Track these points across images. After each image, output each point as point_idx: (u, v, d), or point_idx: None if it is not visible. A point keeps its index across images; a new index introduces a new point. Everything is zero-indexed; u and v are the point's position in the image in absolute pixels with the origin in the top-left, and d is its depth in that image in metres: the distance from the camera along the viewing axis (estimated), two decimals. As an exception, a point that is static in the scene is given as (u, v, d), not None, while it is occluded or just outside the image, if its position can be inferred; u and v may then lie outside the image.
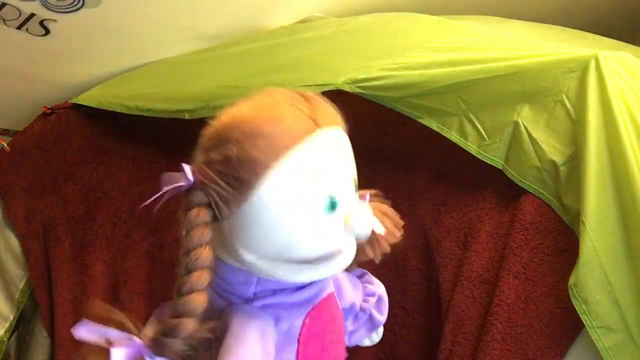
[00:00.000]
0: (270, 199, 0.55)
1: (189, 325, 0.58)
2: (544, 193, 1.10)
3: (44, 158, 1.78)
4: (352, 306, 0.76)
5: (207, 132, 0.63)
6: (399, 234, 0.77)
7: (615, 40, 1.50)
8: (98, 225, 1.73)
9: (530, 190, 1.11)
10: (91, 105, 1.70)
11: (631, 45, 1.42)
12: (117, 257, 1.71)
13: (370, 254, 0.74)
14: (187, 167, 0.68)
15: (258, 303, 0.58)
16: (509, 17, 1.57)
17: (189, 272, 0.63)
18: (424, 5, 1.59)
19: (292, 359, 0.60)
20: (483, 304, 1.16)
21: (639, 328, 0.96)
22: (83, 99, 1.73)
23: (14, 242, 1.78)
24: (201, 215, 0.62)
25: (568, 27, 1.58)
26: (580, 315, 0.98)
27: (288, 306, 0.59)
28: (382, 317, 0.79)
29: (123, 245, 1.71)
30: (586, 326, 0.97)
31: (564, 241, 1.08)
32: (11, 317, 1.76)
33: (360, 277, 0.80)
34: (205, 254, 0.62)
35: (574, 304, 0.98)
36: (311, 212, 0.54)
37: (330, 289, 0.68)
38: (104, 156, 1.75)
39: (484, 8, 1.71)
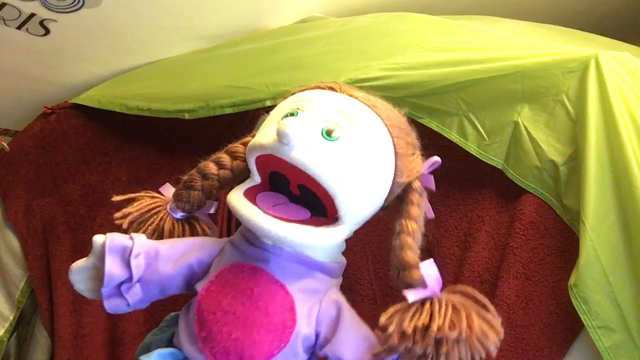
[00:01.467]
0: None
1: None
2: (544, 193, 1.10)
3: (44, 158, 1.78)
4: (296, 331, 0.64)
5: None
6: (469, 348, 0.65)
7: (615, 40, 1.50)
8: (98, 225, 1.73)
9: (530, 190, 1.11)
10: (91, 105, 1.70)
11: (631, 45, 1.42)
12: (117, 257, 1.70)
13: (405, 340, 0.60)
14: None
15: (229, 240, 0.67)
16: (509, 17, 1.57)
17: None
18: (424, 5, 1.59)
19: (200, 288, 0.65)
20: (483, 304, 1.16)
21: (639, 328, 0.96)
22: (83, 99, 1.73)
23: (14, 242, 1.79)
24: None
25: (568, 27, 1.58)
26: (580, 315, 0.98)
27: (232, 250, 0.65)
28: None
29: (123, 245, 1.71)
30: (586, 326, 0.97)
31: (564, 241, 1.08)
32: (11, 317, 1.77)
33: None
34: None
35: (574, 304, 0.98)
36: (275, 118, 0.64)
37: (280, 277, 0.62)
38: (104, 156, 1.75)
39: (484, 8, 1.71)
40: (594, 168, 1.00)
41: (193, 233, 0.74)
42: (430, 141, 1.22)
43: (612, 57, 1.07)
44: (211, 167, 0.73)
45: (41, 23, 1.54)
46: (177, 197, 0.73)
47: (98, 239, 0.66)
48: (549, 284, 1.08)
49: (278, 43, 1.54)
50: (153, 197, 0.75)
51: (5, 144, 1.77)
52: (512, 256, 1.11)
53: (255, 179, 0.66)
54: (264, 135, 0.62)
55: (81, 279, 0.66)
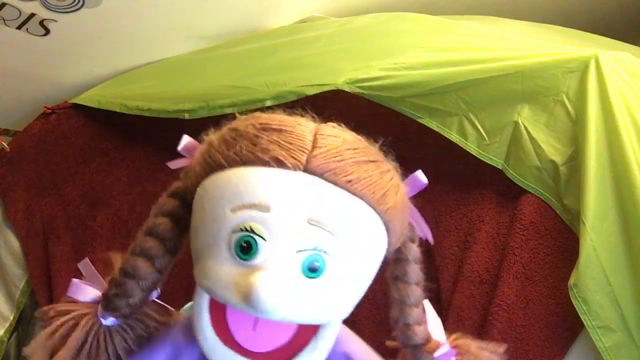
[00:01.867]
0: (201, 198, 0.49)
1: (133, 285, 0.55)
2: (544, 193, 1.10)
3: (44, 158, 1.78)
4: None
5: None
6: None
7: (615, 40, 1.50)
8: (98, 225, 1.73)
9: (530, 190, 1.11)
10: (91, 105, 1.70)
11: (631, 45, 1.42)
12: (117, 257, 1.70)
13: None
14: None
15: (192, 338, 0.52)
16: (509, 17, 1.57)
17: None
18: (424, 5, 1.59)
19: None
20: (483, 304, 1.16)
21: (639, 328, 0.96)
22: (83, 99, 1.73)
23: (14, 242, 1.78)
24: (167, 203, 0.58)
25: (568, 27, 1.58)
26: (580, 315, 0.98)
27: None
28: None
29: (123, 245, 1.70)
30: (586, 326, 0.97)
31: (564, 241, 1.08)
32: (11, 317, 1.76)
33: None
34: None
35: (574, 304, 0.98)
36: (220, 237, 0.46)
37: None
38: (104, 156, 1.75)
39: (484, 8, 1.71)
40: (594, 168, 1.00)
41: (142, 328, 0.59)
42: (430, 141, 1.23)
43: (612, 57, 1.07)
44: (140, 264, 0.58)
45: (41, 23, 1.53)
46: (110, 309, 0.57)
47: None
48: (549, 284, 1.08)
49: (278, 43, 1.54)
50: (74, 314, 0.57)
51: (5, 144, 1.77)
52: (512, 256, 1.11)
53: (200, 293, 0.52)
54: (220, 282, 0.46)
55: None
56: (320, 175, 0.49)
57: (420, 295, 0.61)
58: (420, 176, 0.61)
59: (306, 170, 0.48)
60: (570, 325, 1.03)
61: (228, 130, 0.54)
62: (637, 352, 0.96)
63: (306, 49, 1.45)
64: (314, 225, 0.46)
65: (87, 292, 0.56)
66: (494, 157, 1.15)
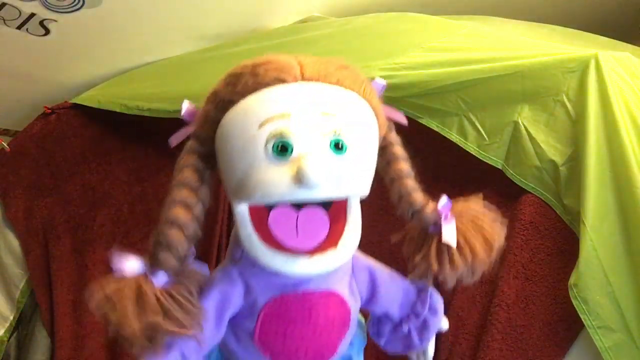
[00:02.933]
0: (225, 134, 0.57)
1: (175, 236, 0.61)
2: (544, 193, 1.10)
3: (44, 158, 1.78)
4: (387, 314, 0.71)
5: None
6: (486, 258, 0.69)
7: (615, 40, 1.50)
8: (98, 225, 1.73)
9: (530, 190, 1.11)
10: (91, 105, 1.70)
11: (631, 45, 1.42)
12: (117, 257, 1.70)
13: (434, 266, 0.66)
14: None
15: (239, 268, 0.61)
16: (509, 17, 1.57)
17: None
18: (424, 5, 1.59)
19: (252, 328, 0.63)
20: (483, 304, 1.16)
21: (639, 328, 0.96)
22: (83, 99, 1.73)
23: (14, 242, 1.78)
24: (186, 158, 0.64)
25: (568, 27, 1.58)
26: (580, 315, 0.98)
27: (260, 282, 0.60)
28: (419, 342, 0.72)
29: (123, 245, 1.71)
30: (586, 326, 0.97)
31: (564, 241, 1.08)
32: (11, 317, 1.76)
33: (419, 291, 0.73)
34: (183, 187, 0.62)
35: (574, 304, 0.98)
36: (257, 150, 0.54)
37: (322, 286, 0.62)
38: (104, 156, 1.75)
39: (484, 8, 1.71)
40: (594, 168, 1.00)
41: (189, 291, 0.63)
42: (430, 141, 1.23)
43: (612, 57, 1.07)
44: (180, 214, 0.62)
45: (41, 23, 1.54)
46: (159, 264, 0.63)
47: None
48: (549, 284, 1.08)
49: (278, 43, 1.54)
50: (123, 284, 0.62)
51: (5, 144, 1.77)
52: (512, 256, 1.11)
53: (241, 208, 0.59)
54: (263, 185, 0.54)
55: None
56: (317, 81, 0.59)
57: (409, 168, 0.69)
58: (380, 82, 0.70)
59: (304, 80, 0.58)
60: (570, 325, 1.03)
61: (226, 77, 0.63)
62: (637, 352, 0.96)
63: (306, 49, 1.45)
64: (327, 115, 0.56)
65: (132, 265, 0.59)
66: (494, 157, 1.15)
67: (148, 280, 0.60)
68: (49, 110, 1.78)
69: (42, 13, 1.50)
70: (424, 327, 0.71)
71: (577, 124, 1.06)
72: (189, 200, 0.61)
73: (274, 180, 0.53)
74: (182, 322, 0.58)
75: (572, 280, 0.98)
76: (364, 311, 0.73)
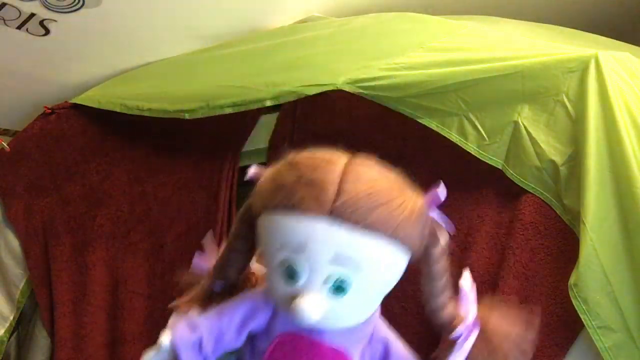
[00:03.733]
0: (261, 232, 0.68)
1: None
2: (544, 193, 1.10)
3: (44, 158, 1.78)
4: None
5: None
6: None
7: (615, 40, 1.50)
8: (98, 225, 1.73)
9: (530, 190, 1.11)
10: (91, 105, 1.70)
11: (631, 45, 1.42)
12: (117, 257, 1.71)
13: None
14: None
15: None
16: (509, 17, 1.57)
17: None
18: (424, 5, 1.59)
19: (264, 350, 0.72)
20: (483, 304, 1.16)
21: (639, 328, 0.96)
22: (83, 99, 1.73)
23: (14, 242, 1.79)
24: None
25: (568, 27, 1.58)
26: (580, 315, 0.98)
27: (286, 314, 0.69)
28: None
29: (123, 245, 1.71)
30: (586, 326, 0.97)
31: (564, 241, 1.08)
32: (11, 317, 1.77)
33: None
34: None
35: (574, 303, 0.98)
36: (274, 264, 0.64)
37: (336, 341, 0.70)
38: (104, 156, 1.75)
39: (484, 8, 1.71)
40: (594, 168, 1.00)
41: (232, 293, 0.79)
42: (430, 141, 1.23)
43: (612, 57, 1.07)
44: (232, 256, 0.77)
45: (41, 23, 1.54)
46: (218, 276, 0.78)
47: (165, 340, 0.72)
48: (549, 284, 1.08)
49: (278, 43, 1.54)
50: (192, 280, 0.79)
51: (5, 144, 1.77)
52: (512, 256, 1.11)
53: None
54: (279, 295, 0.66)
55: None
56: (342, 220, 0.61)
57: (443, 287, 0.74)
58: (440, 192, 0.72)
59: (332, 214, 0.61)
60: (570, 325, 1.03)
61: (271, 179, 0.68)
62: (637, 352, 0.96)
63: (306, 49, 1.45)
64: (339, 259, 0.61)
65: (204, 265, 0.77)
66: (493, 157, 1.15)
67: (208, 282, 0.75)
68: (49, 110, 1.78)
69: (42, 13, 1.50)
70: None
71: (577, 124, 1.06)
72: (239, 247, 0.76)
73: (283, 299, 0.63)
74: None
75: (572, 280, 0.98)
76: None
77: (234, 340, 0.73)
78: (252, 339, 0.74)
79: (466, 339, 0.73)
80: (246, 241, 0.74)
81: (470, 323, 0.74)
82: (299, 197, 0.63)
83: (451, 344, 0.73)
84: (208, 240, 0.83)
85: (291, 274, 0.63)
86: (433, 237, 0.72)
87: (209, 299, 0.77)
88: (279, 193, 0.65)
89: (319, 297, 0.62)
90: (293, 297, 0.62)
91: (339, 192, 0.63)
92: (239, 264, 0.76)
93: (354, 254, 0.62)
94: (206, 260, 0.81)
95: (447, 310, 0.74)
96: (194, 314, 0.74)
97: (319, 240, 0.61)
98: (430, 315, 0.74)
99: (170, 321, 0.75)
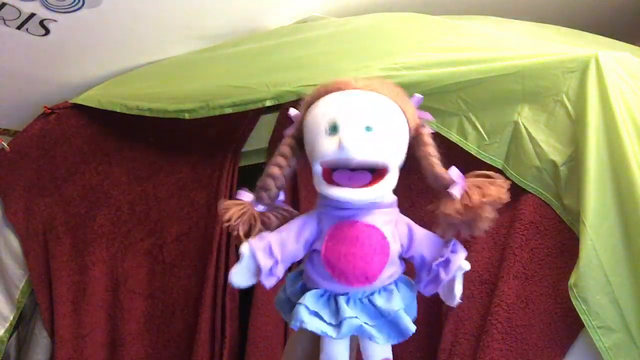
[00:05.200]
0: (308, 120, 0.89)
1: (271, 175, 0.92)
2: (544, 193, 1.10)
3: (44, 158, 1.78)
4: (422, 259, 0.91)
5: None
6: (483, 207, 0.87)
7: (615, 40, 1.49)
8: (98, 225, 1.73)
9: (530, 190, 1.11)
10: (91, 105, 1.70)
11: (631, 45, 1.42)
12: (117, 257, 1.71)
13: (451, 212, 0.87)
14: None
15: (316, 210, 0.91)
16: (509, 17, 1.57)
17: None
18: (424, 5, 1.59)
19: (320, 248, 0.88)
20: (483, 304, 1.16)
21: (639, 328, 0.96)
22: (83, 99, 1.73)
23: (14, 242, 1.79)
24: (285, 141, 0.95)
25: (568, 27, 1.58)
26: (580, 315, 0.98)
27: (327, 215, 0.89)
28: (444, 277, 0.90)
29: (123, 245, 1.71)
30: (586, 326, 0.97)
31: (564, 241, 1.08)
32: (11, 317, 1.77)
33: (446, 242, 0.92)
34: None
35: (574, 304, 0.98)
36: (320, 129, 0.85)
37: (368, 220, 0.88)
38: (104, 156, 1.75)
39: (484, 8, 1.71)
40: (594, 168, 1.00)
41: (277, 217, 0.95)
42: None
43: (612, 57, 1.07)
44: (274, 170, 0.93)
45: (41, 23, 1.54)
46: (258, 198, 0.93)
47: (245, 249, 0.89)
48: (549, 284, 1.08)
49: (278, 43, 1.54)
50: (238, 204, 0.94)
51: (5, 144, 1.78)
52: (512, 256, 1.11)
53: (316, 168, 0.87)
54: (322, 150, 0.84)
55: (240, 278, 0.90)
56: (362, 89, 0.88)
57: (435, 150, 0.90)
58: (417, 96, 0.93)
59: (354, 88, 0.88)
60: (570, 325, 1.03)
61: (312, 92, 0.92)
62: (637, 352, 0.96)
63: (306, 49, 1.45)
64: (363, 113, 0.84)
65: (246, 195, 0.93)
66: (494, 157, 1.15)
67: (252, 205, 0.92)
68: (49, 110, 1.78)
69: (42, 13, 1.50)
70: (446, 264, 0.90)
71: (577, 124, 1.06)
72: (282, 163, 0.93)
73: (328, 147, 0.83)
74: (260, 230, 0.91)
75: (572, 280, 0.99)
76: (408, 264, 0.93)
77: (294, 248, 0.90)
78: (308, 255, 0.91)
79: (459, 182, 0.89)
80: (288, 159, 0.93)
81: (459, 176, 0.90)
82: (332, 86, 0.89)
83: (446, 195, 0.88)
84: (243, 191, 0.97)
85: (334, 127, 0.82)
86: (421, 122, 0.92)
87: (255, 220, 0.92)
88: (319, 90, 0.90)
89: (355, 131, 0.82)
90: (337, 142, 0.81)
91: (356, 81, 0.89)
92: (281, 181, 0.93)
93: (372, 108, 0.86)
94: (246, 195, 0.94)
95: (441, 168, 0.91)
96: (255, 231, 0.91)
97: (349, 104, 0.85)
98: (428, 178, 0.90)
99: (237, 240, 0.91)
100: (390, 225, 0.91)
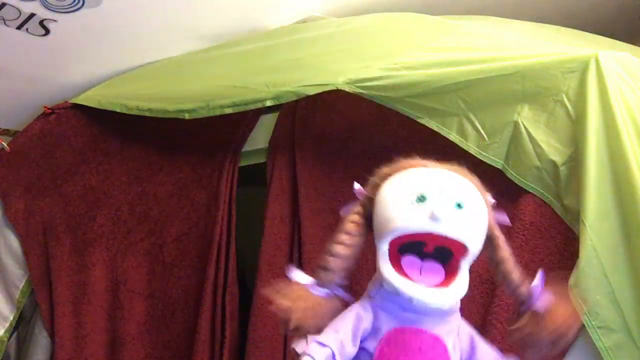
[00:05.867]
0: (386, 191, 0.82)
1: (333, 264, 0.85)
2: (544, 193, 1.10)
3: (44, 158, 1.78)
4: None
5: None
6: (564, 326, 0.82)
7: (615, 40, 1.49)
8: (98, 225, 1.73)
9: (530, 190, 1.11)
10: (91, 105, 1.70)
11: (631, 45, 1.42)
12: (117, 257, 1.71)
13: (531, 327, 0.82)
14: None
15: (372, 302, 0.83)
16: (510, 17, 1.57)
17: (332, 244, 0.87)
18: (424, 5, 1.59)
19: (373, 350, 0.82)
20: (483, 304, 1.16)
21: (639, 328, 0.96)
22: (83, 99, 1.73)
23: (14, 242, 1.79)
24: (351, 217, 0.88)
25: (568, 27, 1.58)
26: (580, 316, 0.97)
27: (387, 313, 0.81)
28: None
29: (123, 245, 1.71)
30: (586, 326, 0.97)
31: (564, 241, 1.08)
32: (11, 317, 1.77)
33: None
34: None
35: (574, 303, 0.98)
36: (405, 199, 0.79)
37: (434, 331, 0.81)
38: (104, 156, 1.75)
39: (484, 8, 1.71)
40: (594, 168, 1.00)
41: (334, 302, 0.87)
42: (430, 141, 1.23)
43: (612, 57, 1.07)
44: (339, 249, 0.86)
45: (41, 23, 1.54)
46: (319, 279, 0.86)
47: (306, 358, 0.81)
48: (549, 284, 1.08)
49: (278, 43, 1.54)
50: (296, 290, 0.86)
51: (5, 144, 1.78)
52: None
53: (383, 249, 0.81)
54: (406, 218, 0.78)
55: None
56: (446, 169, 0.84)
57: (512, 267, 0.87)
58: (489, 198, 0.89)
59: (438, 167, 0.84)
60: (570, 325, 1.03)
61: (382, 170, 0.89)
62: (637, 352, 0.96)
63: (306, 49, 1.45)
64: (453, 190, 0.81)
65: (301, 277, 0.85)
66: (494, 157, 1.15)
67: (310, 290, 0.84)
68: (49, 110, 1.78)
69: (42, 13, 1.50)
70: None
71: (577, 124, 1.06)
72: (347, 242, 0.85)
73: (415, 216, 0.76)
74: (319, 326, 0.83)
75: (572, 280, 0.98)
76: None
77: (352, 348, 0.83)
78: (362, 346, 0.84)
79: (540, 294, 0.84)
80: (353, 236, 0.86)
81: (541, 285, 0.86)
82: (415, 163, 0.86)
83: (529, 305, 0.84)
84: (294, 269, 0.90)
85: (422, 197, 0.77)
86: (496, 226, 0.88)
87: (317, 309, 0.84)
88: (398, 165, 0.86)
89: (447, 205, 0.77)
90: (428, 211, 0.76)
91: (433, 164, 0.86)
92: (344, 262, 0.85)
93: (461, 185, 0.82)
94: (301, 275, 0.86)
95: (517, 275, 0.87)
96: (312, 332, 0.83)
97: (439, 178, 0.81)
98: (511, 294, 0.86)
99: (295, 342, 0.84)
100: (452, 335, 0.85)
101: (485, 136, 1.15)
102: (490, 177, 1.17)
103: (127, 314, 1.66)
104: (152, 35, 1.69)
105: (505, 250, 0.87)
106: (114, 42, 1.69)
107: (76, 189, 1.75)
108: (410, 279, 0.78)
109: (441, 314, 0.83)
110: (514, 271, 0.86)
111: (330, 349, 0.81)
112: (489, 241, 0.87)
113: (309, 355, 0.79)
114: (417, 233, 0.78)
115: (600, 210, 0.99)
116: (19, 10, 1.47)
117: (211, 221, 1.58)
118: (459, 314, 0.86)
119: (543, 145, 1.09)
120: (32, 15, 1.50)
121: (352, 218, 0.87)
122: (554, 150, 1.08)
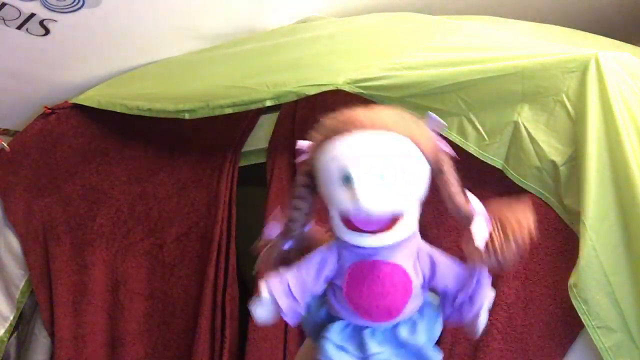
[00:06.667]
0: (320, 164, 0.84)
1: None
2: (544, 193, 1.10)
3: (44, 158, 1.78)
4: (445, 291, 0.89)
5: None
6: (512, 247, 0.84)
7: (615, 40, 1.49)
8: (98, 225, 1.73)
9: (530, 190, 1.11)
10: (91, 105, 1.70)
11: (631, 45, 1.42)
12: (117, 257, 1.71)
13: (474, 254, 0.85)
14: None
15: (337, 242, 0.89)
16: (510, 17, 1.57)
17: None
18: (424, 5, 1.59)
19: (341, 285, 0.87)
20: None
21: (639, 328, 0.96)
22: (83, 99, 1.73)
23: (14, 242, 1.79)
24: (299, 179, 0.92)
25: (568, 27, 1.58)
26: (580, 315, 0.98)
27: (347, 252, 0.87)
28: (469, 312, 0.88)
29: (123, 245, 1.71)
30: (586, 326, 0.97)
31: (564, 241, 1.08)
32: (11, 317, 1.77)
33: (470, 274, 0.89)
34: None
35: (574, 304, 0.98)
36: (333, 179, 0.80)
37: (391, 259, 0.86)
38: (104, 156, 1.75)
39: (484, 8, 1.71)
40: (594, 168, 1.00)
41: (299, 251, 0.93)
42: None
43: (612, 57, 1.07)
44: (296, 214, 0.90)
45: (41, 23, 1.54)
46: (286, 234, 0.92)
47: (265, 292, 0.89)
48: (549, 284, 1.08)
49: (278, 43, 1.54)
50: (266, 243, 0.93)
51: (5, 144, 1.78)
52: (512, 256, 1.12)
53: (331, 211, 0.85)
54: (337, 202, 0.81)
55: (263, 315, 0.89)
56: (371, 129, 0.82)
57: (458, 190, 0.88)
58: (433, 117, 0.88)
59: (363, 128, 0.82)
60: (570, 325, 1.03)
61: (320, 128, 0.87)
62: (637, 352, 0.96)
63: (306, 49, 1.45)
64: (376, 158, 0.79)
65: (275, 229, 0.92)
66: (494, 157, 1.15)
67: (278, 243, 0.91)
68: (49, 110, 1.78)
69: (42, 13, 1.50)
70: (471, 299, 0.88)
71: (577, 124, 1.06)
72: (299, 205, 0.90)
73: (344, 199, 0.79)
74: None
75: (572, 280, 0.99)
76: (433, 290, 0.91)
77: (314, 285, 0.89)
78: (330, 285, 0.90)
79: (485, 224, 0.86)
80: (305, 199, 0.91)
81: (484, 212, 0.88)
82: (340, 128, 0.84)
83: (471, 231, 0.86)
84: (277, 212, 0.95)
85: (347, 178, 0.78)
86: (442, 153, 0.88)
87: (281, 260, 0.91)
88: (325, 130, 0.86)
89: (370, 184, 0.78)
90: (352, 196, 0.78)
91: (370, 117, 0.84)
92: (302, 220, 0.91)
93: (384, 151, 0.81)
94: (275, 228, 0.94)
95: (460, 198, 0.89)
96: (276, 272, 0.90)
97: (359, 148, 0.81)
98: (456, 215, 0.88)
99: (261, 281, 0.90)
100: (411, 258, 0.89)
101: (486, 136, 1.15)
102: (490, 177, 1.17)
103: (127, 314, 1.66)
104: (152, 35, 1.69)
105: (448, 174, 0.90)
106: (114, 42, 1.69)
107: (76, 189, 1.75)
108: (360, 229, 0.83)
109: (394, 245, 0.87)
110: (458, 194, 0.90)
111: (287, 284, 0.89)
112: (434, 169, 0.89)
113: (267, 287, 0.88)
114: (350, 212, 0.83)
115: (600, 210, 0.99)
116: (19, 10, 1.47)
117: (211, 221, 1.58)
118: (417, 237, 0.90)
119: (543, 145, 1.09)
120: (32, 15, 1.50)
121: (301, 180, 0.92)
122: (554, 150, 1.08)
